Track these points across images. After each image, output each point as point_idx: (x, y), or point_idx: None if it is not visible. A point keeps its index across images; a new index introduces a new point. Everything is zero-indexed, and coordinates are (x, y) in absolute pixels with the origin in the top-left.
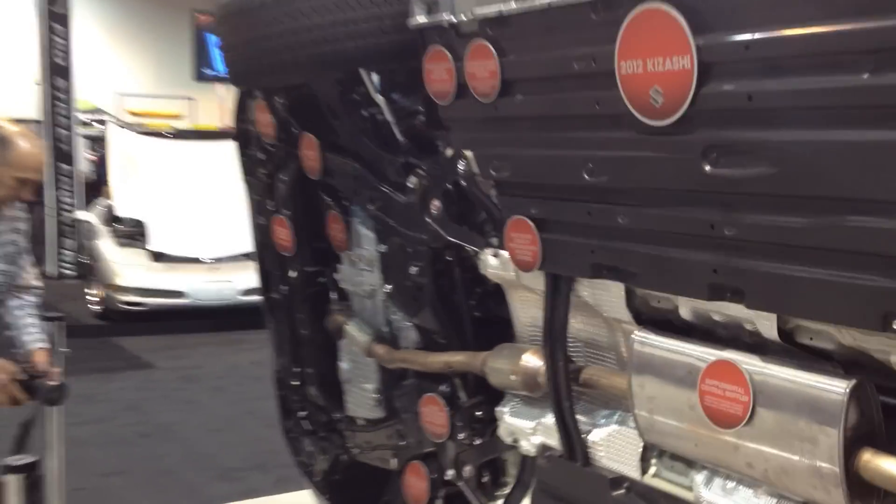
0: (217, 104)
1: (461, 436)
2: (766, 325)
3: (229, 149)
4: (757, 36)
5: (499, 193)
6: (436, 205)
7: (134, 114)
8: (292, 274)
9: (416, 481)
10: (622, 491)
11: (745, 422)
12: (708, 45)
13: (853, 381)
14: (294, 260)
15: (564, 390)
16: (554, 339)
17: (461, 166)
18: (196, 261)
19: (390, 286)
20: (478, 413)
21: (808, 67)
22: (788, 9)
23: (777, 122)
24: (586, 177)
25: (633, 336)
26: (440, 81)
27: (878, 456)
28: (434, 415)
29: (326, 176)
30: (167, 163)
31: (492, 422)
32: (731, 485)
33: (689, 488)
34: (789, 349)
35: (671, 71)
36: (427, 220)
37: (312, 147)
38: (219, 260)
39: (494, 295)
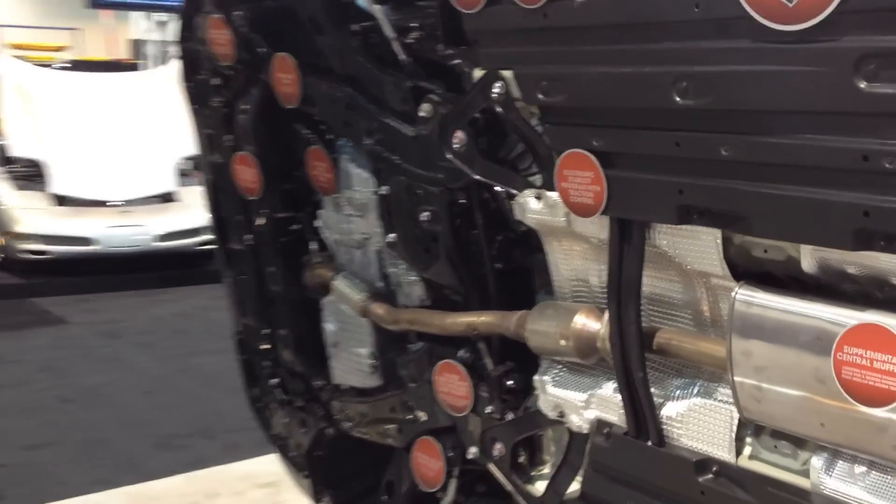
0: (104, 35)
1: (489, 409)
2: None
3: (137, 80)
4: None
5: (547, 122)
6: (459, 137)
7: (15, 46)
8: (259, 221)
9: (428, 460)
10: (710, 476)
11: None
12: None
13: None
14: (261, 204)
15: (636, 358)
16: (623, 297)
17: (496, 89)
18: (103, 204)
19: (393, 235)
20: (509, 383)
21: None
22: None
23: None
24: (677, 98)
25: (735, 294)
26: None
27: None
28: (452, 385)
29: (306, 104)
30: (67, 97)
31: (524, 392)
32: (860, 469)
33: (803, 473)
34: None
35: None
36: (447, 155)
37: (288, 69)
38: (129, 203)
39: (517, 244)
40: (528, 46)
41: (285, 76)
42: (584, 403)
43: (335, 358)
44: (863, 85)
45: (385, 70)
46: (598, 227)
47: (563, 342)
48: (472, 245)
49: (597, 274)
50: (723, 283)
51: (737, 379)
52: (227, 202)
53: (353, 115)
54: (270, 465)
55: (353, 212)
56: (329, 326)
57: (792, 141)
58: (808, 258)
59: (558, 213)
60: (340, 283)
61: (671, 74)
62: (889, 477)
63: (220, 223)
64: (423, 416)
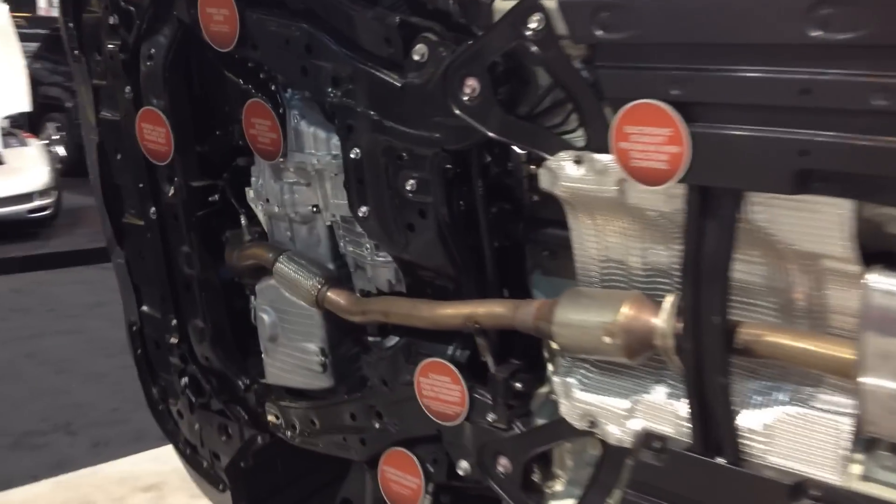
0: None
1: (490, 417)
2: None
3: None
4: None
5: (605, 66)
6: (471, 86)
7: None
8: (169, 190)
9: (402, 476)
10: (809, 501)
11: None
12: None
13: None
14: (172, 170)
15: (718, 359)
16: (704, 284)
17: (532, 23)
18: None
19: (364, 208)
20: (517, 385)
21: None
22: None
23: None
24: (814, 31)
25: (870, 281)
26: None
27: None
28: (441, 388)
29: (244, 47)
30: None
31: (530, 397)
32: None
33: None
34: None
35: None
36: (454, 109)
37: (222, 2)
38: None
39: (520, 218)
40: None
41: (217, 11)
42: (627, 411)
43: (271, 354)
44: None
45: (360, 2)
46: (662, 199)
47: (607, 339)
48: (468, 220)
49: (640, 254)
50: (842, 266)
51: (868, 386)
52: (122, 168)
53: (315, 61)
54: (149, 463)
55: (299, 179)
56: (264, 316)
57: None
58: None
59: (607, 180)
60: (285, 266)
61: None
62: None
63: (110, 193)
64: (395, 424)
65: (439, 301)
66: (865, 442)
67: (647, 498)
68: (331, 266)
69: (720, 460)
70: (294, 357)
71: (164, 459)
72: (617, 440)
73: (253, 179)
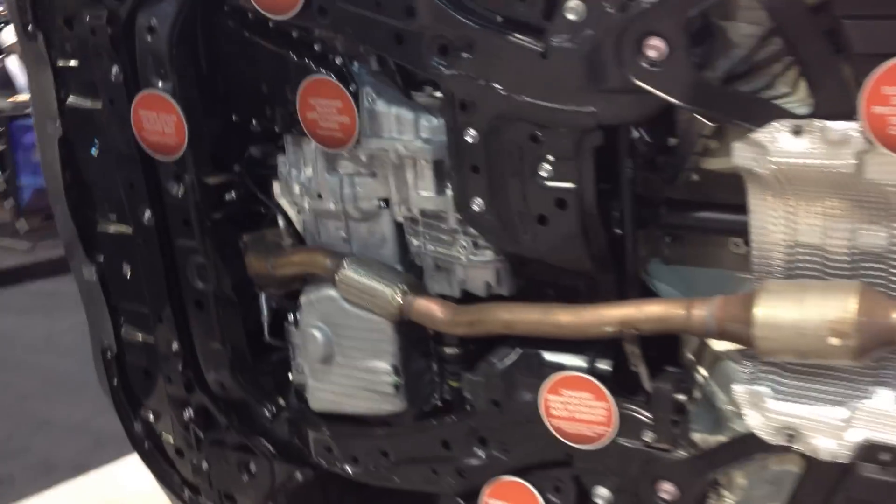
0: None
1: (647, 436)
2: None
3: None
4: None
5: (854, 13)
6: (656, 47)
7: None
8: (176, 190)
9: None
10: None
11: None
12: None
13: None
14: (181, 166)
15: None
16: None
17: None
18: None
19: (479, 200)
20: (680, 398)
21: None
22: None
23: None
24: None
25: None
26: None
27: None
28: (579, 406)
29: (307, 13)
30: None
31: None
32: None
33: None
34: None
35: None
36: (630, 76)
37: None
38: None
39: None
40: None
41: None
42: (844, 421)
43: (322, 377)
44: None
45: None
46: None
47: (835, 340)
48: (612, 209)
49: (847, 237)
50: None
51: None
52: (98, 165)
53: (416, 25)
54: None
55: (362, 170)
56: (315, 334)
57: None
58: None
59: (843, 152)
60: (353, 272)
61: None
62: None
63: (77, 196)
64: (506, 450)
65: (581, 305)
66: None
67: None
68: (398, 268)
69: None
70: (356, 378)
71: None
72: (831, 455)
73: (283, 171)
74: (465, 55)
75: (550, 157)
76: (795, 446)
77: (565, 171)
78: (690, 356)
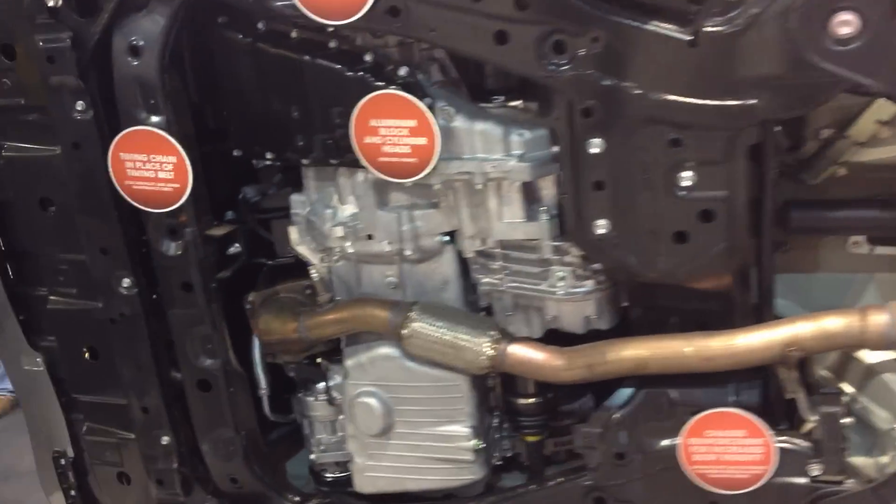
0: None
1: (815, 470)
2: None
3: None
4: None
5: None
6: (847, 23)
7: None
8: (170, 248)
9: None
10: None
11: None
12: None
13: None
14: (176, 217)
15: None
16: None
17: None
18: None
19: (603, 222)
20: (846, 422)
21: None
22: None
23: None
24: None
25: None
26: None
27: None
28: (730, 447)
29: (375, 15)
30: None
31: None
32: None
33: None
34: None
35: None
36: (815, 59)
37: None
38: None
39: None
40: None
41: None
42: None
43: (376, 454)
44: None
45: None
46: None
47: None
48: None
49: None
50: None
51: None
52: (49, 228)
53: (529, 19)
54: None
55: (421, 201)
56: (371, 402)
57: None
58: None
59: None
60: (429, 324)
61: None
62: None
63: (16, 269)
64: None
65: (726, 331)
66: None
67: None
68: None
69: None
70: (425, 448)
71: None
72: None
73: (302, 213)
74: (587, 51)
75: (694, 164)
76: None
77: (713, 178)
78: (825, 373)
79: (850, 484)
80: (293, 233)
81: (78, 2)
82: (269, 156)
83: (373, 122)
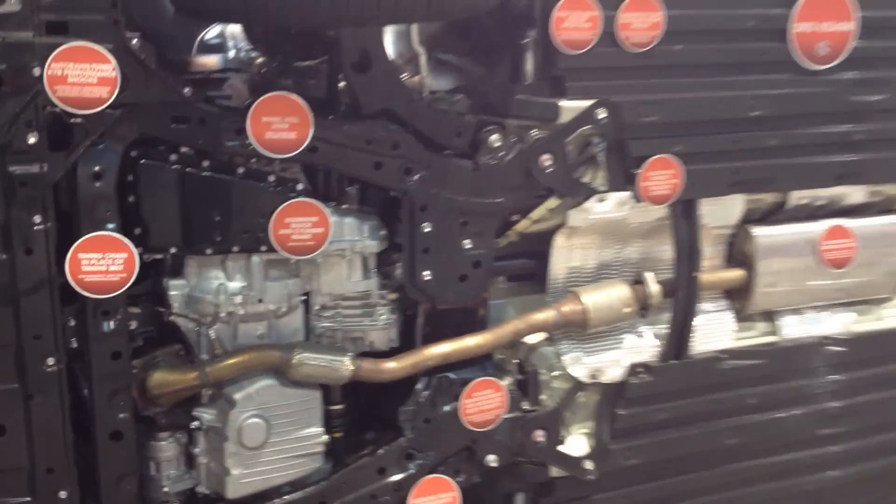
0: None
1: (525, 405)
2: None
3: None
4: None
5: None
6: (547, 158)
7: None
8: (106, 326)
9: (435, 499)
10: None
11: None
12: None
13: None
14: (117, 302)
15: None
16: None
17: (601, 115)
18: None
19: (427, 272)
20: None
21: None
22: None
23: None
24: None
25: None
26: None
27: None
28: (486, 400)
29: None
30: None
31: None
32: None
33: None
34: None
35: None
36: (536, 176)
37: (291, 110)
38: None
39: None
40: (632, 79)
41: (281, 120)
42: (620, 357)
43: (250, 463)
44: None
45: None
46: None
47: (626, 309)
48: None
49: (614, 254)
50: None
51: None
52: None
53: (396, 156)
54: None
55: (290, 274)
56: (257, 422)
57: None
58: None
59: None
60: (311, 353)
61: None
62: None
63: None
64: (429, 455)
65: (486, 330)
66: None
67: None
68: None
69: None
70: (290, 450)
71: None
72: (616, 378)
73: (181, 286)
74: (423, 175)
75: (472, 234)
76: (601, 380)
77: (482, 242)
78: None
79: (544, 408)
80: (175, 304)
81: (58, 138)
82: (171, 251)
83: (287, 220)
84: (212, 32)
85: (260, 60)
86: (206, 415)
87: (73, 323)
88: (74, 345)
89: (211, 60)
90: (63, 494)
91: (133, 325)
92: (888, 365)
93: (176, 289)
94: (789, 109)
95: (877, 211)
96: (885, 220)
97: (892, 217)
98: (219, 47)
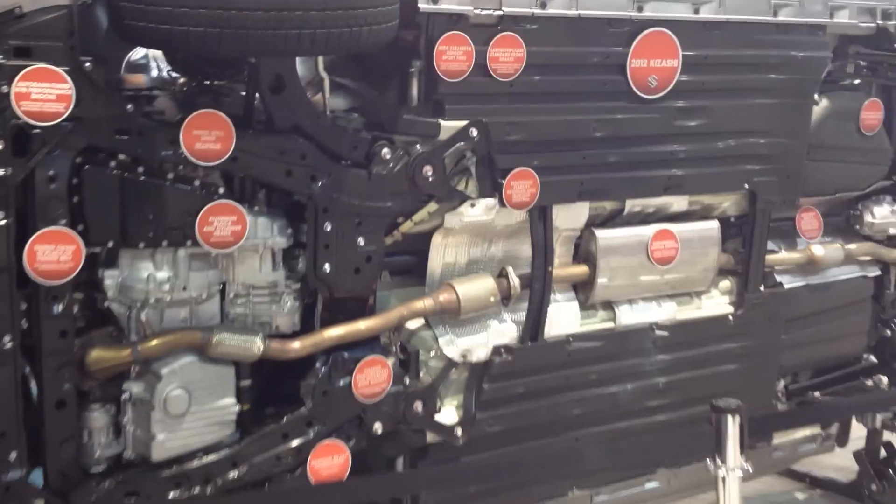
0: None
1: (407, 380)
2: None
3: None
4: None
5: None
6: (428, 170)
7: None
8: (56, 309)
9: (330, 461)
10: None
11: None
12: None
13: None
14: (65, 288)
15: None
16: None
17: (474, 133)
18: None
19: (327, 265)
20: (425, 355)
21: None
22: None
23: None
24: None
25: None
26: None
27: None
28: (373, 376)
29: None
30: None
31: None
32: None
33: None
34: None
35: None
36: (418, 185)
37: (216, 125)
38: None
39: None
40: (500, 104)
41: (209, 133)
42: (487, 339)
43: (173, 429)
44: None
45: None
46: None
47: (493, 298)
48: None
49: (481, 252)
50: None
51: None
52: None
53: (304, 165)
54: None
55: (210, 266)
56: (180, 393)
57: None
58: None
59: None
60: (227, 335)
61: None
62: None
63: None
64: (324, 423)
65: (374, 315)
66: None
67: None
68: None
69: None
70: (207, 417)
71: None
72: (482, 357)
73: (116, 275)
74: (325, 181)
75: (365, 233)
76: (470, 359)
77: (373, 239)
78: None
79: (419, 385)
80: (108, 290)
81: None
82: (109, 244)
83: (211, 219)
84: (137, 54)
85: (182, 80)
86: (134, 387)
87: (24, 306)
88: (24, 326)
89: (139, 78)
90: (13, 456)
91: (75, 308)
92: (705, 347)
93: (111, 278)
94: (626, 131)
95: (696, 217)
96: (702, 225)
97: (709, 223)
98: (144, 67)
